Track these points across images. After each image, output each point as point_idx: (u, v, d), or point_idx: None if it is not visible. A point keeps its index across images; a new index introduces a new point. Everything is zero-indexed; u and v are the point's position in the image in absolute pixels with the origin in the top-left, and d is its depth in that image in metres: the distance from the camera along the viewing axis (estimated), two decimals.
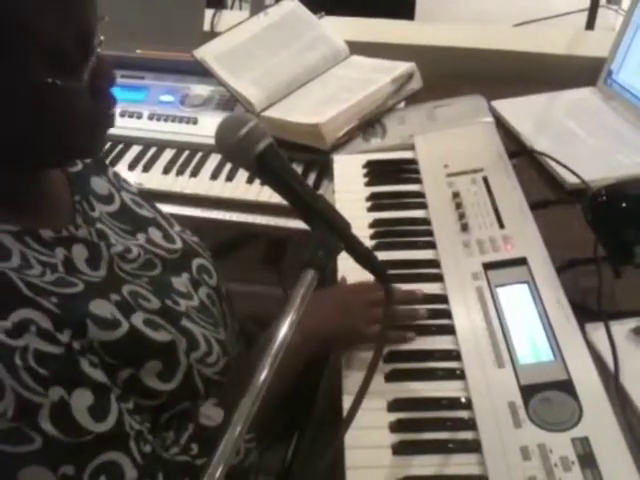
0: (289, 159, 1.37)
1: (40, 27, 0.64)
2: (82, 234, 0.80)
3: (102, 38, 0.71)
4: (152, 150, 1.49)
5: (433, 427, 0.82)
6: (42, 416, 0.65)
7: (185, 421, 0.81)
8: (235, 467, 0.79)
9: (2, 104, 0.67)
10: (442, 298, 0.97)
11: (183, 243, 0.96)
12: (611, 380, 0.88)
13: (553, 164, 1.29)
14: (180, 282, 0.89)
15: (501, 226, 1.05)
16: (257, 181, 1.36)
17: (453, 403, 0.84)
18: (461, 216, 1.09)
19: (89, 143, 0.76)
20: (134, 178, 1.39)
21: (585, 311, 0.96)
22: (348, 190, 1.23)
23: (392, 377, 0.88)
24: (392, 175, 1.25)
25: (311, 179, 1.37)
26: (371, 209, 1.17)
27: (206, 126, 1.50)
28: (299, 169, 1.39)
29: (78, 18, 0.68)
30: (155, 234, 0.93)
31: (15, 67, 0.65)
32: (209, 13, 1.73)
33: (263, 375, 0.63)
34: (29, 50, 0.65)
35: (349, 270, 0.97)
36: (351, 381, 0.87)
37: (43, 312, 0.68)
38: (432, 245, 1.07)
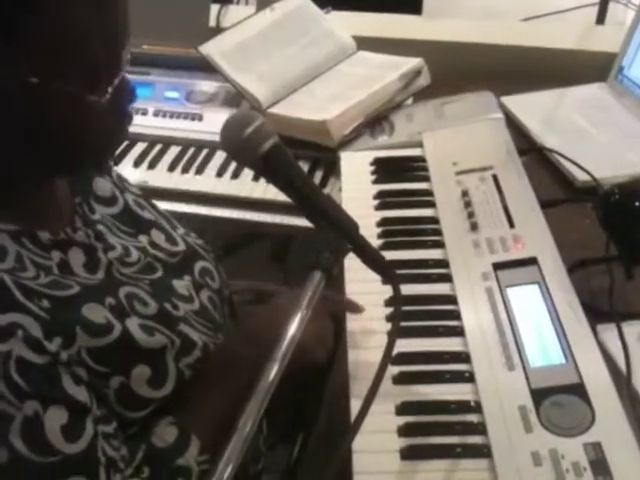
0: (295, 156, 1.35)
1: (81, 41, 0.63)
2: (80, 237, 0.79)
3: (129, 57, 0.70)
4: (157, 147, 1.48)
5: (442, 431, 0.81)
6: (13, 429, 0.63)
7: (138, 441, 0.77)
8: None
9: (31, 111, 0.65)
10: (451, 299, 0.96)
11: (186, 245, 0.94)
12: (623, 383, 0.87)
13: (563, 161, 1.27)
14: (182, 285, 0.88)
15: (511, 225, 1.04)
16: (263, 179, 1.34)
17: (462, 407, 0.83)
18: (470, 215, 1.07)
19: (101, 158, 0.76)
20: (139, 175, 1.38)
21: (596, 312, 0.94)
22: (355, 188, 1.21)
23: (400, 380, 0.86)
24: (400, 173, 1.23)
25: (318, 177, 1.36)
26: (378, 207, 1.16)
27: (212, 123, 1.49)
28: (305, 166, 1.38)
29: (113, 33, 0.67)
30: (158, 236, 0.92)
31: (49, 78, 0.63)
32: (215, 8, 1.72)
33: (272, 374, 0.62)
34: (63, 62, 0.64)
35: (356, 270, 0.96)
36: (358, 384, 0.86)
37: (34, 318, 0.67)
38: (441, 244, 1.05)
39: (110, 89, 0.68)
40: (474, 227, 1.05)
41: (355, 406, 0.82)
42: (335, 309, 0.95)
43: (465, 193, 1.12)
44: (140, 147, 1.48)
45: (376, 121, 1.38)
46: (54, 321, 0.68)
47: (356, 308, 0.95)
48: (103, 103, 0.68)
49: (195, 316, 0.86)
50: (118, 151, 1.45)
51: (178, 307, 0.84)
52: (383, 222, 1.12)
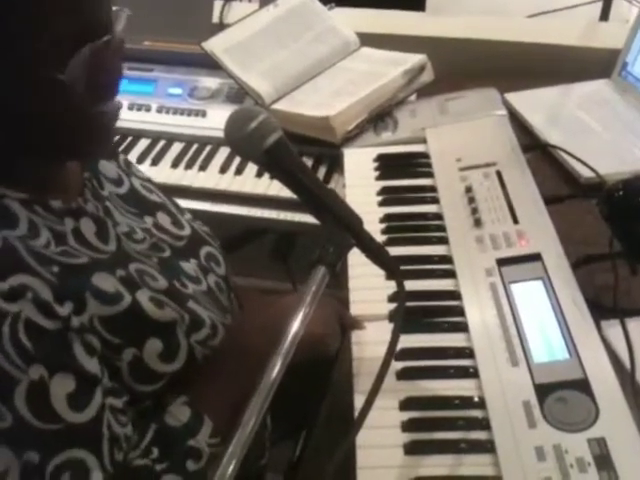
0: (299, 153, 1.35)
1: (54, 21, 0.63)
2: (90, 208, 0.79)
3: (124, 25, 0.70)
4: (161, 143, 1.48)
5: (446, 426, 0.81)
6: (18, 393, 0.63)
7: (148, 421, 0.77)
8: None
9: (15, 95, 0.66)
10: (455, 295, 0.96)
11: (192, 230, 0.95)
12: (627, 378, 0.86)
13: (567, 158, 1.27)
14: (189, 267, 0.88)
15: (515, 221, 1.03)
16: (266, 175, 1.35)
17: (466, 402, 0.83)
18: (474, 211, 1.07)
19: (89, 144, 0.75)
20: (143, 171, 1.38)
21: (601, 308, 0.94)
22: (359, 184, 1.21)
23: (404, 375, 0.86)
24: (403, 169, 1.23)
25: (321, 173, 1.36)
26: (382, 203, 1.16)
27: (215, 119, 1.49)
28: (309, 163, 1.38)
29: (89, 12, 0.66)
30: (164, 219, 0.92)
31: (33, 62, 0.64)
32: (218, 5, 1.71)
33: (276, 370, 0.62)
34: (45, 43, 0.64)
35: (360, 265, 0.96)
36: (362, 379, 0.86)
37: (44, 281, 0.67)
38: (444, 240, 1.05)
39: (76, 64, 0.66)
40: (478, 223, 1.05)
41: (359, 401, 0.82)
42: (339, 307, 0.95)
43: (469, 189, 1.11)
44: (144, 143, 1.48)
45: (380, 117, 1.37)
46: (63, 285, 0.68)
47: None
48: (68, 80, 0.65)
49: (203, 296, 0.86)
50: (122, 147, 1.46)
51: (187, 286, 0.84)
52: (386, 218, 1.12)
